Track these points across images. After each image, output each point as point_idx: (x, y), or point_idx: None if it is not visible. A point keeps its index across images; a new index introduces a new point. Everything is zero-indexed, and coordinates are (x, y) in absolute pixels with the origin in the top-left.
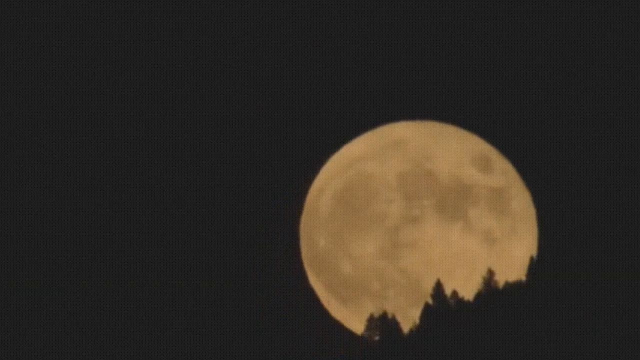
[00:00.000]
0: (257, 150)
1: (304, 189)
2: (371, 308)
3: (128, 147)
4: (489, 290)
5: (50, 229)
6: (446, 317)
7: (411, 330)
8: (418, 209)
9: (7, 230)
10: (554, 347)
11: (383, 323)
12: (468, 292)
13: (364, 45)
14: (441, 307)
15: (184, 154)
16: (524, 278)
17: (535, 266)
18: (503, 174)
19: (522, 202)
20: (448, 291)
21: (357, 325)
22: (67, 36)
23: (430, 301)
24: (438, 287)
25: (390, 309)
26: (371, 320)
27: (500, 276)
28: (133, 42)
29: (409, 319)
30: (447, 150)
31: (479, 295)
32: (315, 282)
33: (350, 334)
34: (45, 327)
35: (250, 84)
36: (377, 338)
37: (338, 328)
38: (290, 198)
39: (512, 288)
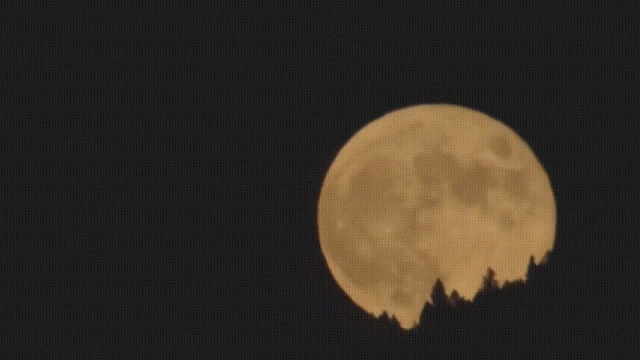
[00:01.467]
0: (274, 135)
1: (322, 172)
2: (389, 290)
3: (152, 132)
4: (489, 290)
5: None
6: (446, 317)
7: (411, 330)
8: (436, 192)
9: (7, 231)
10: (555, 348)
11: (383, 323)
12: (468, 292)
13: (382, 28)
14: (441, 307)
15: (202, 138)
16: (540, 262)
17: (534, 266)
18: (521, 157)
19: (540, 185)
20: (450, 287)
21: (375, 307)
22: (67, 36)
23: (430, 301)
24: (438, 287)
25: (408, 292)
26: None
27: (518, 260)
28: (141, 40)
29: (428, 299)
30: (465, 133)
31: (479, 295)
32: (333, 265)
33: (368, 316)
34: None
35: (267, 68)
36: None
37: (356, 311)
38: (308, 182)
39: (512, 288)
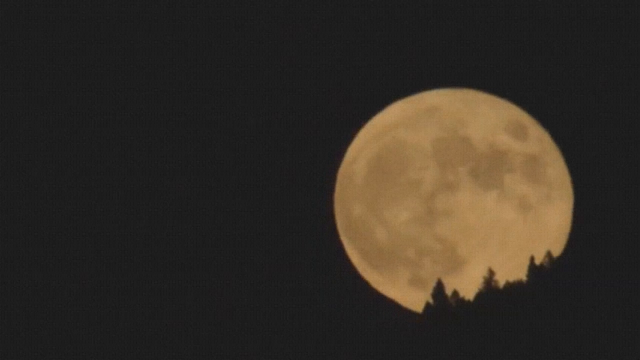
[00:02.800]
0: (291, 120)
1: (338, 156)
2: (407, 275)
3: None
4: (489, 290)
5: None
6: (446, 316)
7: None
8: (453, 176)
9: (7, 231)
10: (556, 348)
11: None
12: (469, 292)
13: (399, 13)
14: (441, 307)
15: (219, 123)
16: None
17: (534, 266)
18: (538, 141)
19: (557, 170)
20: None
21: (393, 292)
22: (67, 36)
23: (430, 300)
24: (439, 286)
25: (425, 276)
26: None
27: (535, 245)
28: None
29: (445, 284)
30: (482, 117)
31: (479, 295)
32: (350, 250)
33: (386, 301)
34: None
35: (283, 52)
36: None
37: (374, 296)
38: (324, 167)
39: (513, 288)
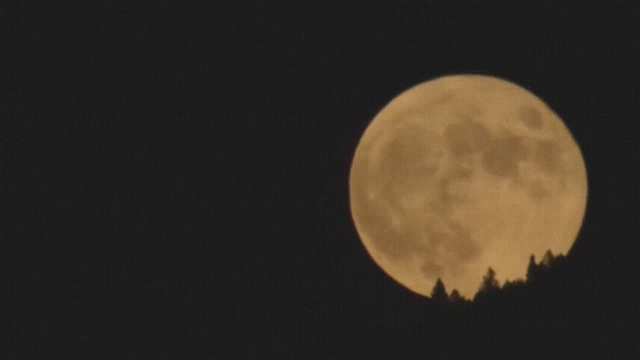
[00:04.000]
0: (308, 104)
1: (353, 142)
2: (420, 262)
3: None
4: (489, 290)
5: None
6: (446, 316)
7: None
8: (467, 163)
9: (6, 230)
10: (556, 348)
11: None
12: (469, 292)
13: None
14: (441, 307)
15: (234, 109)
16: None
17: (533, 266)
18: (552, 127)
19: (571, 156)
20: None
21: (406, 279)
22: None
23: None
24: (439, 286)
25: (439, 263)
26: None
27: (549, 231)
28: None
29: (459, 271)
30: (496, 103)
31: (479, 295)
32: (364, 235)
33: (399, 287)
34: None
35: (301, 37)
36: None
37: (387, 282)
38: (340, 152)
39: (513, 288)
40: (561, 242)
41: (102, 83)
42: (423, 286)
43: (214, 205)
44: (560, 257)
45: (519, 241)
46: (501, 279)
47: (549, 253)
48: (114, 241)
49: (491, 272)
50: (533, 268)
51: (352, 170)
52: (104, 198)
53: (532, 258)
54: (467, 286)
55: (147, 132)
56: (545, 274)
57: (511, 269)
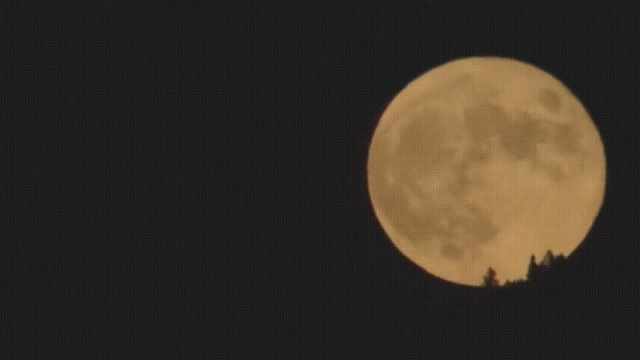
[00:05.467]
0: (325, 87)
1: (371, 126)
2: (440, 245)
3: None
4: (490, 289)
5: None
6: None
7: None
8: (485, 146)
9: (6, 230)
10: (557, 348)
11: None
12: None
13: None
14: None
15: (253, 90)
16: (541, 262)
17: (535, 266)
18: (571, 110)
19: (590, 139)
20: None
21: (426, 262)
22: (67, 35)
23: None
24: (490, 275)
25: (458, 245)
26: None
27: (568, 213)
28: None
29: (478, 253)
30: (514, 86)
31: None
32: (383, 219)
33: (419, 271)
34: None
35: (318, 20)
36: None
37: (407, 265)
38: (358, 135)
39: (514, 287)
40: (580, 225)
41: (102, 83)
42: (442, 268)
43: (231, 189)
44: (560, 257)
45: (537, 223)
46: (501, 279)
47: (549, 253)
48: (137, 239)
49: (491, 272)
50: (533, 268)
51: (370, 154)
52: (119, 197)
53: (533, 258)
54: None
55: (168, 128)
56: (546, 273)
57: (528, 252)
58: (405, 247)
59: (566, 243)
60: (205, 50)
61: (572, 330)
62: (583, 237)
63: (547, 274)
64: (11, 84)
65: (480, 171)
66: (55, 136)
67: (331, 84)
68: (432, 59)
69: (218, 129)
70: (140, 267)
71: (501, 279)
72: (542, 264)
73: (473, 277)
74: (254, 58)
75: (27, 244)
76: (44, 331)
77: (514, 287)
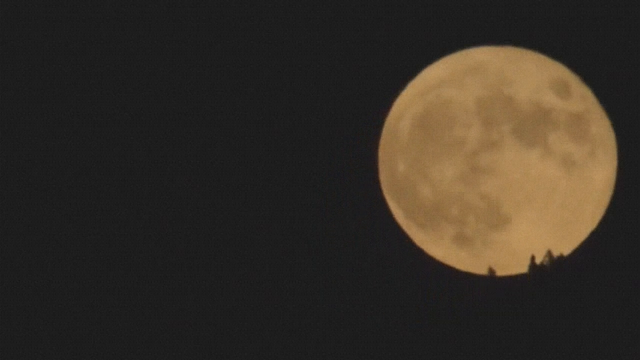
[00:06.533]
0: (337, 75)
1: (383, 113)
2: (451, 233)
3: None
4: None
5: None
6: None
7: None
8: (497, 134)
9: (6, 230)
10: (557, 348)
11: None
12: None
13: None
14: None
15: (266, 81)
16: (541, 262)
17: (535, 266)
18: (582, 99)
19: (601, 128)
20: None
21: (436, 250)
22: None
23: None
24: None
25: (470, 234)
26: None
27: (579, 202)
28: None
29: (489, 242)
30: (526, 75)
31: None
32: (394, 207)
33: (430, 259)
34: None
35: (332, 11)
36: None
37: (418, 253)
38: (370, 123)
39: (513, 286)
40: (591, 212)
41: (102, 83)
42: (454, 257)
43: (242, 181)
44: (560, 256)
45: (549, 211)
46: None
47: (549, 253)
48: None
49: (491, 271)
50: (533, 268)
51: (382, 142)
52: (121, 196)
53: (533, 258)
54: (498, 258)
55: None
56: (547, 271)
57: (540, 241)
58: (416, 235)
59: (578, 231)
60: (230, 46)
61: (572, 331)
62: (594, 225)
63: (547, 273)
64: (11, 84)
65: (491, 159)
66: (55, 136)
67: (344, 73)
68: (444, 47)
69: (229, 123)
70: (155, 264)
71: (512, 268)
72: (542, 264)
73: (483, 265)
74: (269, 52)
75: (27, 244)
76: (44, 331)
77: (515, 280)
